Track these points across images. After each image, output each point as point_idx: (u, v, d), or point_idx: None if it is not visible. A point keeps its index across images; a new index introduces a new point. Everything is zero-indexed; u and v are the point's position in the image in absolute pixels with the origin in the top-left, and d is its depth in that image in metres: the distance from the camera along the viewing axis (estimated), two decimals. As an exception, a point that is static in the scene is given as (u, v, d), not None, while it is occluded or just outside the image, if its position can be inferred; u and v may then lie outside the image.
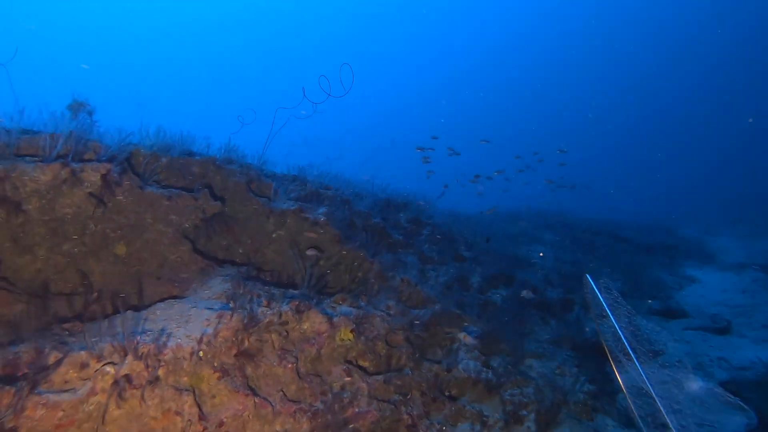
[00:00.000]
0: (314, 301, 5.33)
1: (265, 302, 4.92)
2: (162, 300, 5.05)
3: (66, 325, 4.21)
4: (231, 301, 4.54)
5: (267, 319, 4.56)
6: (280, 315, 4.63)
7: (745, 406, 3.72)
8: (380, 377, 5.21)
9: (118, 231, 5.25)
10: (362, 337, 5.57)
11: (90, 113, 5.78)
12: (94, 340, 3.51)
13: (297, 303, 5.06)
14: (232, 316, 4.32)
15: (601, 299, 4.18)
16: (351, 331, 5.38)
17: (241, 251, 6.71)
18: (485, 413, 5.49)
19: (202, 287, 5.37)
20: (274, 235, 6.84)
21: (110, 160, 4.61)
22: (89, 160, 4.56)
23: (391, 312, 6.27)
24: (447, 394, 5.79)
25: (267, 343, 4.55)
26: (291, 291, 5.60)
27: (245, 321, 4.36)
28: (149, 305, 4.94)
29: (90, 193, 4.76)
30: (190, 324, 4.27)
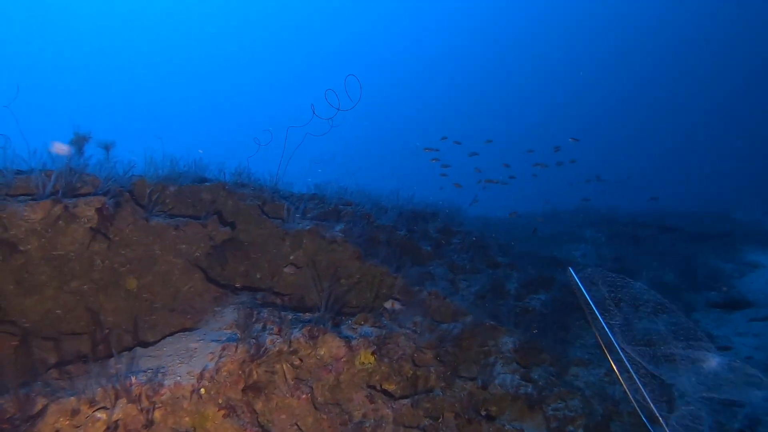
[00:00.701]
0: (330, 324, 5.00)
1: (275, 329, 4.63)
2: (172, 334, 4.86)
3: (70, 367, 4.05)
4: (239, 331, 4.27)
5: (276, 348, 4.26)
6: (290, 343, 4.32)
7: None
8: (407, 401, 4.81)
9: (127, 265, 5.11)
10: (385, 359, 5.20)
11: (107, 147, 5.75)
12: (86, 383, 3.30)
13: (310, 328, 4.74)
14: (237, 347, 4.05)
15: (585, 293, 3.76)
16: (372, 354, 5.02)
17: (259, 276, 6.49)
18: (527, 433, 4.99)
19: (215, 317, 5.15)
20: (291, 257, 6.59)
21: (105, 193, 4.48)
22: (86, 194, 4.45)
23: (418, 329, 5.87)
24: (484, 413, 5.32)
25: (278, 373, 4.24)
26: (306, 315, 5.30)
27: (252, 351, 4.08)
28: (159, 340, 4.75)
29: (92, 228, 4.64)
30: (194, 359, 4.02)
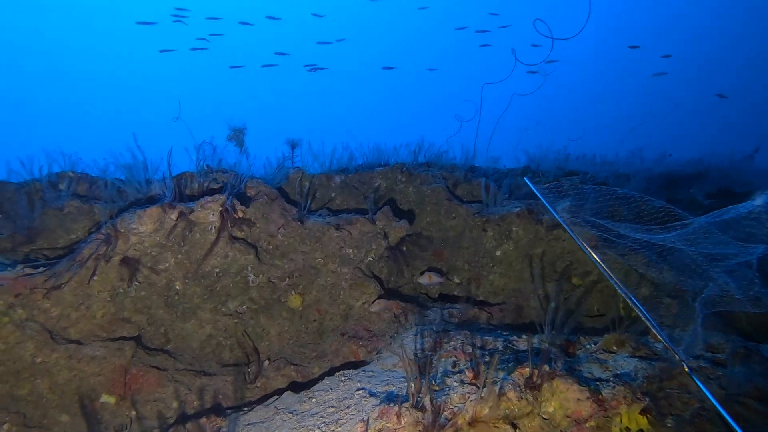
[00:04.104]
0: (561, 358, 3.10)
1: (469, 375, 2.96)
2: (334, 371, 3.63)
3: (204, 420, 3.11)
4: (411, 381, 2.72)
5: (466, 414, 2.58)
6: (492, 398, 2.60)
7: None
8: None
9: (287, 279, 4.12)
10: (669, 419, 3.05)
11: (293, 145, 5.01)
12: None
13: (528, 369, 2.93)
14: (399, 413, 2.50)
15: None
16: (643, 412, 2.93)
17: (457, 281, 4.91)
18: None
19: (392, 346, 3.75)
20: (497, 253, 4.81)
21: (229, 191, 3.48)
22: (209, 193, 3.54)
23: (727, 358, 3.46)
24: None
25: (472, 457, 2.55)
26: (522, 340, 3.48)
27: (424, 422, 2.48)
28: (319, 378, 3.57)
29: (234, 237, 3.73)
30: (341, 427, 2.64)
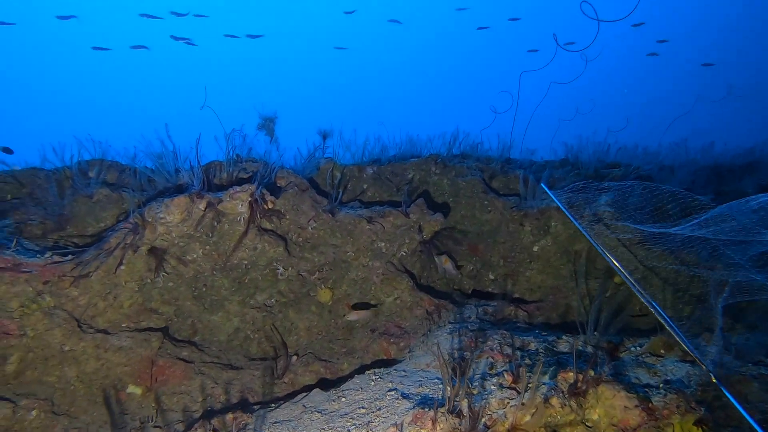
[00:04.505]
0: (606, 361, 2.89)
1: (508, 378, 2.77)
2: (364, 368, 3.48)
3: (230, 416, 3.00)
4: (447, 384, 2.54)
5: (506, 422, 2.39)
6: (532, 405, 2.41)
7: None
8: None
9: (316, 272, 3.98)
10: (727, 430, 2.83)
11: (324, 136, 4.87)
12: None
13: (572, 374, 2.73)
14: (435, 418, 2.33)
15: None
16: (698, 423, 2.69)
17: (492, 277, 4.70)
18: None
19: (425, 344, 3.57)
20: (535, 248, 4.57)
21: (258, 181, 3.35)
22: (238, 183, 3.41)
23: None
24: None
25: (514, 468, 2.36)
26: (563, 341, 3.27)
27: (463, 431, 2.31)
28: (349, 376, 3.42)
29: (263, 229, 3.61)
30: (373, 430, 2.48)
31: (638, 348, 3.49)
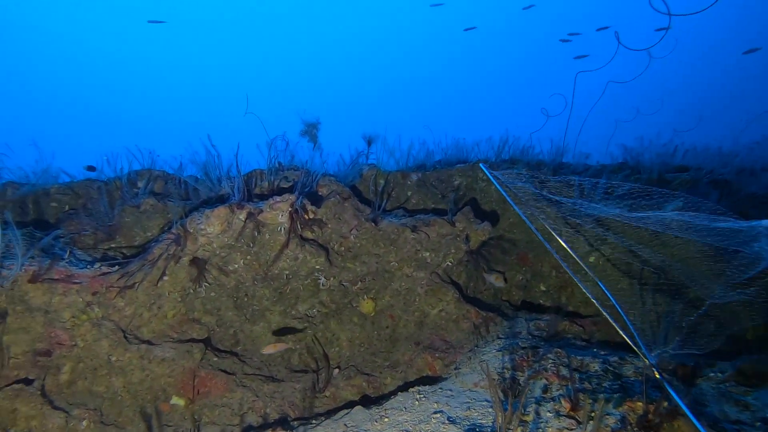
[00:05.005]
0: (679, 387, 2.59)
1: (566, 405, 2.55)
2: (408, 385, 3.32)
3: (272, 434, 2.93)
4: (498, 410, 2.35)
5: (564, 458, 2.18)
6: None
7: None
8: None
9: (359, 283, 3.88)
10: None
11: (369, 141, 4.80)
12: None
13: (642, 404, 2.49)
14: (484, 450, 2.15)
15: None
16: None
17: (543, 288, 4.44)
18: None
19: (472, 361, 3.38)
20: (591, 259, 4.27)
21: (299, 191, 3.27)
22: (279, 192, 3.34)
23: None
24: None
25: None
26: (620, 362, 3.00)
27: (513, 463, 2.11)
28: (392, 393, 3.28)
29: (304, 238, 3.54)
30: (415, 458, 2.33)
31: (719, 374, 3.14)
